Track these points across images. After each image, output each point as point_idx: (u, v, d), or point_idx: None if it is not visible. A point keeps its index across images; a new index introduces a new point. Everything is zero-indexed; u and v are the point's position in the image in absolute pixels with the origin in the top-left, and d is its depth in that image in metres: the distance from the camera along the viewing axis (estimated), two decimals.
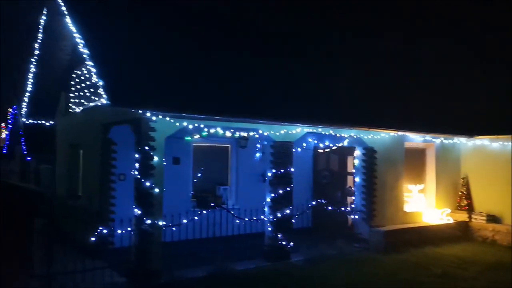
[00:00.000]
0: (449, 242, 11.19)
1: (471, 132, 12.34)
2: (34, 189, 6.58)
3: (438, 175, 12.60)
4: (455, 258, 9.75)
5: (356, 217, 10.97)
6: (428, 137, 12.16)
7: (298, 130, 9.66)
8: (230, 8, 12.33)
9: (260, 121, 8.89)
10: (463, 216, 12.29)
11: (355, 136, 10.68)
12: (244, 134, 9.43)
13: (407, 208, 11.93)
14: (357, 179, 11.13)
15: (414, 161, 12.48)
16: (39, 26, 10.97)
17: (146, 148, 7.66)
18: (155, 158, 7.75)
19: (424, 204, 12.43)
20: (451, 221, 12.12)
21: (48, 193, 7.11)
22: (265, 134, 9.27)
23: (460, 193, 12.65)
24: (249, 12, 12.66)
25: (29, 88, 12.42)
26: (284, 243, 9.27)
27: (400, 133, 11.32)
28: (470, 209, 12.39)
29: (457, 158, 12.98)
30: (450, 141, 12.76)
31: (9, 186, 6.25)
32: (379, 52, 14.46)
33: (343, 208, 11.07)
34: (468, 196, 12.54)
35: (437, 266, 9.01)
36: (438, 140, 12.54)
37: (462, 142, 12.92)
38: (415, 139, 11.97)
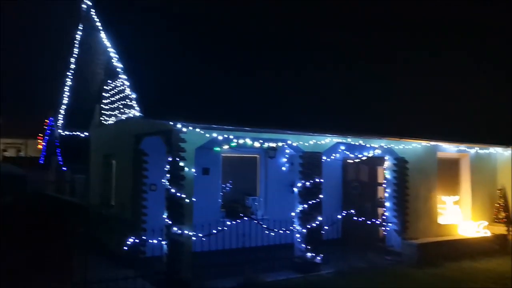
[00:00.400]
0: (486, 256, 10.75)
1: (507, 141, 11.89)
2: (71, 200, 6.79)
3: (474, 186, 12.19)
4: (492, 273, 9.36)
5: (388, 229, 10.73)
6: (462, 147, 11.81)
7: (327, 140, 9.59)
8: (258, 20, 12.45)
9: (289, 131, 8.88)
10: (501, 229, 11.81)
11: (385, 146, 10.50)
12: (273, 144, 9.43)
13: (441, 220, 11.57)
14: (388, 190, 10.90)
15: (448, 171, 12.13)
16: (75, 42, 11.41)
17: (177, 158, 7.78)
18: (186, 169, 7.86)
19: (459, 216, 12.02)
20: (488, 234, 11.67)
21: (86, 204, 7.33)
22: (294, 144, 9.24)
23: (497, 205, 12.18)
24: (278, 24, 12.75)
25: (65, 101, 12.90)
26: (313, 254, 9.16)
27: (432, 143, 11.05)
28: (508, 221, 11.90)
29: (493, 169, 12.53)
30: (486, 151, 12.34)
31: (48, 197, 6.49)
32: (411, 61, 14.23)
33: (373, 220, 10.85)
34: (506, 208, 12.06)
35: (474, 281, 8.67)
36: (473, 150, 12.15)
37: (498, 152, 12.47)
38: (448, 149, 11.64)
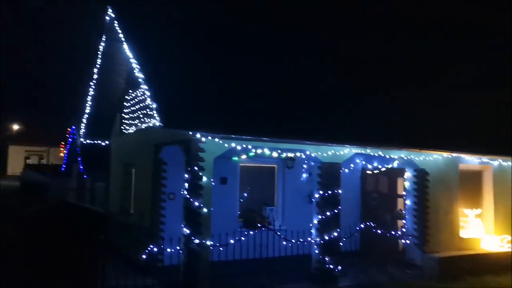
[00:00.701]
0: (510, 271, 10.43)
1: None
2: (93, 209, 6.91)
3: (497, 199, 11.88)
4: None
5: (408, 241, 10.53)
6: (485, 159, 11.55)
7: (346, 151, 9.53)
8: (278, 31, 12.55)
9: (308, 142, 8.86)
10: None
11: (405, 158, 10.36)
12: (291, 154, 9.42)
13: (463, 233, 11.31)
14: (408, 202, 10.73)
15: (470, 184, 11.86)
16: (98, 52, 11.69)
17: (196, 168, 7.84)
18: (204, 178, 7.91)
19: (481, 230, 11.72)
20: None
21: (107, 212, 7.45)
22: (313, 155, 9.21)
23: None
24: (298, 33, 12.82)
25: (87, 110, 13.19)
26: (331, 266, 9.06)
27: (454, 154, 10.85)
28: None
29: None
30: (509, 163, 12.05)
31: (70, 205, 6.62)
32: (433, 72, 14.09)
33: (393, 232, 10.67)
34: None
35: None
36: (496, 162, 11.88)
37: None
38: (470, 161, 11.41)
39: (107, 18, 10.75)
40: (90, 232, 5.88)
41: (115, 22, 10.20)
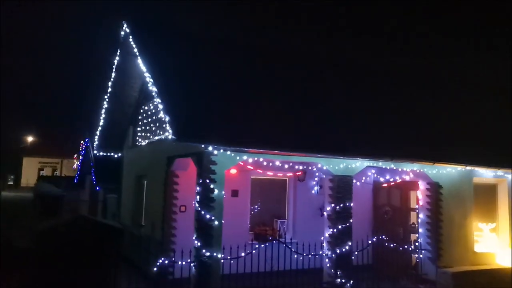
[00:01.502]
0: None
1: None
2: (109, 224, 6.96)
3: None
4: None
5: (421, 256, 10.38)
6: (500, 172, 11.40)
7: (358, 164, 9.49)
8: (285, 44, 12.66)
9: (319, 155, 8.86)
10: None
11: (418, 171, 10.28)
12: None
13: (477, 248, 11.11)
14: (421, 216, 10.61)
15: (484, 197, 11.69)
16: (113, 66, 11.91)
17: (207, 180, 7.89)
18: (216, 191, 7.94)
19: (496, 245, 11.51)
20: None
21: (122, 227, 7.49)
22: (324, 168, 9.19)
23: None
24: (305, 46, 12.92)
25: (101, 122, 13.38)
26: (343, 280, 8.96)
27: (468, 167, 10.73)
28: None
29: None
30: None
31: (86, 219, 6.69)
32: (447, 85, 14.03)
33: (406, 246, 10.53)
34: None
35: None
36: (511, 175, 11.70)
37: None
38: (485, 174, 11.27)
39: (122, 33, 10.97)
40: (107, 248, 5.93)
41: (130, 36, 10.40)
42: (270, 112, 9.41)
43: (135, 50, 9.95)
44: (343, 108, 10.84)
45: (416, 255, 10.56)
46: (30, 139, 54.56)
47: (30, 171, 52.09)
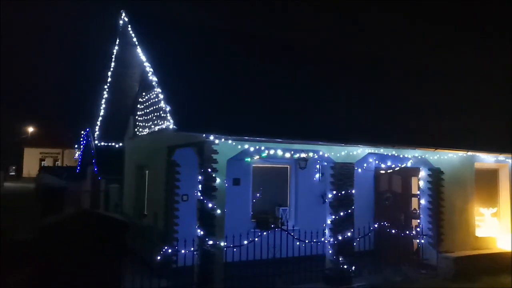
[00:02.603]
0: None
1: None
2: (115, 217, 6.97)
3: None
4: None
5: (422, 241, 10.45)
6: (501, 157, 11.39)
7: (359, 151, 9.49)
8: (286, 33, 12.58)
9: (321, 143, 8.85)
10: None
11: (419, 157, 10.28)
12: (304, 155, 9.41)
13: (478, 232, 11.17)
14: (422, 202, 10.64)
15: (486, 182, 11.72)
16: (112, 56, 11.83)
17: (209, 170, 7.89)
18: (217, 180, 7.96)
19: (497, 229, 11.57)
20: None
21: (128, 220, 7.51)
22: (326, 155, 9.19)
23: None
24: (306, 35, 12.84)
25: (101, 112, 13.35)
26: (345, 266, 9.03)
27: (469, 153, 10.73)
28: None
29: None
30: None
31: (92, 214, 6.72)
32: (447, 70, 13.93)
33: (407, 232, 10.59)
34: None
35: None
36: None
37: None
38: (486, 159, 11.27)
39: (121, 22, 10.87)
40: (112, 242, 5.95)
41: (129, 26, 10.31)
42: (271, 100, 9.38)
43: (134, 39, 9.87)
44: (345, 96, 10.79)
45: (418, 241, 10.63)
46: (30, 129, 54.57)
47: (31, 161, 52.22)
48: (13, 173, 50.70)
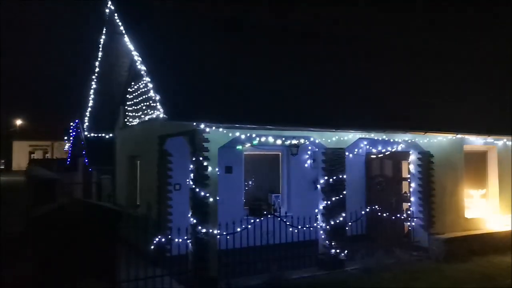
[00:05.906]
0: None
1: None
2: (106, 206, 6.96)
3: (502, 179, 11.90)
4: None
5: (413, 224, 10.60)
6: (490, 139, 11.53)
7: (350, 136, 9.53)
8: (275, 20, 12.50)
9: (312, 129, 8.87)
10: None
11: (409, 141, 10.36)
12: (295, 141, 9.44)
13: (468, 214, 11.36)
14: (413, 185, 10.77)
15: (475, 164, 11.88)
16: (99, 45, 11.67)
17: (201, 158, 7.89)
18: (209, 168, 7.95)
19: (486, 210, 11.77)
20: None
21: (120, 209, 7.49)
22: (317, 141, 9.23)
23: None
24: (296, 20, 12.77)
25: (90, 103, 13.22)
26: (338, 251, 9.15)
27: (458, 136, 10.84)
28: None
29: None
30: None
31: (83, 203, 6.70)
32: (435, 53, 13.96)
33: (398, 215, 10.74)
34: None
35: (504, 276, 8.49)
36: (501, 142, 11.86)
37: None
38: (475, 141, 11.40)
39: (107, 10, 10.70)
40: (105, 231, 5.94)
41: (115, 14, 10.15)
42: (261, 87, 9.35)
43: (121, 28, 9.73)
44: (334, 81, 10.79)
45: (409, 223, 10.79)
46: (19, 122, 53.88)
47: (21, 154, 51.68)
48: (2, 167, 50.16)
